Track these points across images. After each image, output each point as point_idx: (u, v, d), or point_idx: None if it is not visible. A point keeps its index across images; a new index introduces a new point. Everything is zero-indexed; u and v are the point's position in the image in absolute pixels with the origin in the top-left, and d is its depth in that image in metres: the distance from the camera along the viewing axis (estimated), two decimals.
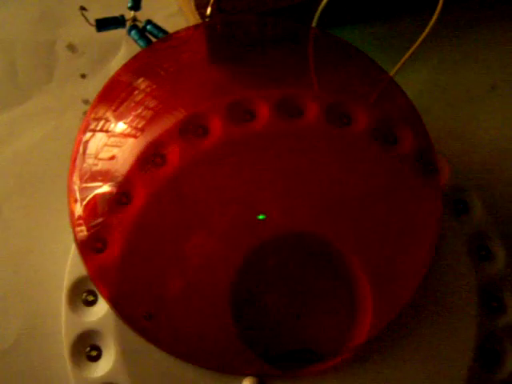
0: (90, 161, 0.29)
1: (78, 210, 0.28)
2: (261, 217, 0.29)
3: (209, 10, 0.31)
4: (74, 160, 0.29)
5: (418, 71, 0.36)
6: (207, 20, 0.32)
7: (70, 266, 0.29)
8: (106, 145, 0.29)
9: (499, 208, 0.33)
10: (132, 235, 0.28)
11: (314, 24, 0.33)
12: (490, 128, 0.35)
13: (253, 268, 0.28)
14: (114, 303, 0.27)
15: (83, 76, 0.35)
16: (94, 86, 0.30)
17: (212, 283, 0.28)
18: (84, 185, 0.29)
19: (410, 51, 0.32)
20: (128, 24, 0.32)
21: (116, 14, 0.33)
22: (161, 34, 0.32)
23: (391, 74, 0.32)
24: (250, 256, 0.28)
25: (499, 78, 0.36)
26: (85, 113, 0.34)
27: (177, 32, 0.31)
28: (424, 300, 0.29)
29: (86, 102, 0.35)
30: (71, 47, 0.36)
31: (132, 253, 0.28)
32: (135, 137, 0.29)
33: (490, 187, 0.34)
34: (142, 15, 0.34)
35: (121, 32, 0.33)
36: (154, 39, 0.33)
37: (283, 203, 0.29)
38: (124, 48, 0.36)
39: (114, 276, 0.28)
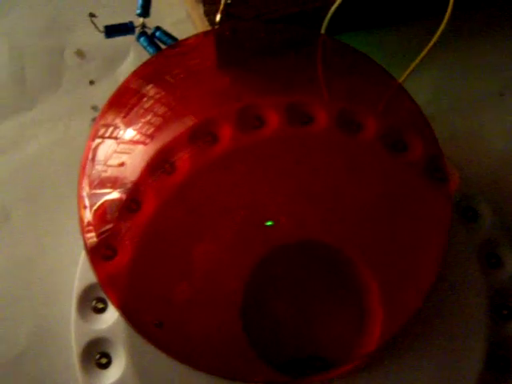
0: (99, 167, 0.29)
1: (88, 216, 0.28)
2: (269, 223, 0.29)
3: (218, 17, 0.31)
4: (84, 166, 0.29)
5: (427, 78, 0.36)
6: (216, 27, 0.32)
7: (80, 273, 0.29)
8: (115, 151, 0.29)
9: (509, 215, 0.33)
10: (142, 242, 0.28)
11: (322, 31, 0.33)
12: (498, 135, 0.35)
13: (263, 275, 0.28)
14: (124, 310, 0.27)
15: (92, 82, 0.35)
16: (102, 92, 0.30)
17: (222, 291, 0.28)
18: (93, 191, 0.29)
19: (419, 58, 0.32)
20: (137, 31, 0.32)
21: (125, 20, 0.33)
22: (170, 41, 0.32)
23: (400, 80, 0.32)
24: (260, 263, 0.28)
25: (508, 85, 0.36)
26: (93, 119, 0.34)
27: (186, 39, 0.31)
28: (434, 308, 0.29)
29: (94, 108, 0.35)
30: (80, 53, 0.36)
31: (142, 260, 0.28)
32: (144, 144, 0.29)
33: (499, 195, 0.34)
34: (150, 22, 0.34)
35: (129, 38, 0.33)
36: (163, 46, 0.33)
37: (293, 211, 0.29)
38: (132, 54, 0.36)
39: (123, 283, 0.28)
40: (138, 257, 0.28)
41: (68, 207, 0.29)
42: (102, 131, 0.30)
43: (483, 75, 0.36)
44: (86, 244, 0.28)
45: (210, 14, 0.33)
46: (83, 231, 0.28)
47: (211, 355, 0.27)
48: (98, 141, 0.29)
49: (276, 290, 0.29)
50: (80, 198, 0.29)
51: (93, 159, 0.29)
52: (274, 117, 0.30)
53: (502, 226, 0.31)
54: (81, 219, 0.28)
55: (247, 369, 0.27)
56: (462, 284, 0.30)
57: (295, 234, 0.29)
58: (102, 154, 0.29)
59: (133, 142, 0.29)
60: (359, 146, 0.30)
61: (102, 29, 0.32)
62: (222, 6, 0.32)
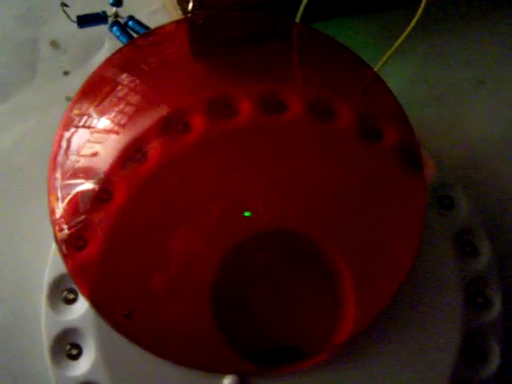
0: (71, 157, 0.29)
1: (58, 206, 0.28)
2: (247, 214, 0.29)
3: (190, 5, 0.31)
4: (55, 157, 0.29)
5: (405, 65, 0.36)
6: (189, 15, 0.32)
7: (51, 263, 0.29)
8: (86, 141, 0.29)
9: (485, 204, 0.33)
10: (112, 232, 0.28)
11: (297, 19, 0.33)
12: (476, 123, 0.35)
13: (235, 265, 0.28)
14: (93, 301, 0.27)
15: (66, 73, 0.35)
16: (77, 83, 0.30)
17: (193, 280, 0.28)
18: (66, 182, 0.28)
19: (395, 46, 0.32)
20: (110, 20, 0.32)
21: (99, 10, 0.33)
22: (142, 30, 0.32)
23: (376, 68, 0.32)
24: (233, 253, 0.28)
25: (487, 72, 0.36)
26: None
27: (158, 27, 0.31)
28: (408, 296, 0.29)
29: (69, 98, 0.34)
30: (54, 44, 0.35)
31: (112, 250, 0.28)
32: (116, 133, 0.29)
33: (476, 183, 0.33)
34: (126, 12, 0.33)
35: (104, 29, 0.33)
36: (135, 35, 0.32)
37: (265, 200, 0.29)
38: (107, 45, 0.36)
39: (93, 273, 0.27)
40: (108, 247, 0.27)
41: (41, 198, 0.29)
42: (72, 120, 0.29)
43: (462, 63, 0.36)
44: (56, 235, 0.28)
45: (183, 3, 0.32)
46: (54, 222, 0.28)
47: (181, 346, 0.27)
48: (69, 130, 0.29)
49: (249, 280, 0.29)
50: (50, 188, 0.28)
51: (65, 149, 0.29)
52: (246, 105, 0.30)
53: (478, 214, 0.31)
54: (51, 210, 0.28)
55: (218, 359, 0.27)
56: (438, 272, 0.30)
57: (267, 224, 0.28)
58: (72, 143, 0.29)
59: (104, 131, 0.29)
60: (333, 135, 0.30)
61: (74, 19, 0.32)
62: None
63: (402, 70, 0.36)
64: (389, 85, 0.30)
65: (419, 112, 0.34)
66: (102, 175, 0.28)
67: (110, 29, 0.32)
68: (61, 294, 0.29)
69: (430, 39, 0.36)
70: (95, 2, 0.34)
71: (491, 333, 0.30)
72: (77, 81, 0.30)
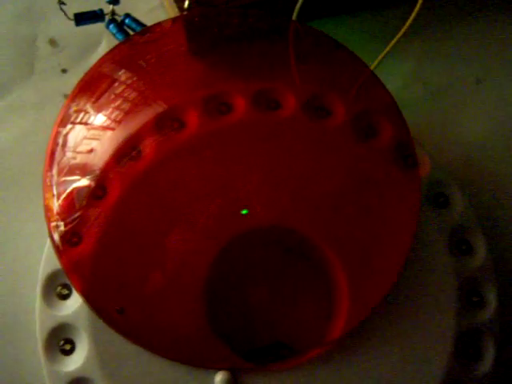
0: (66, 154, 0.29)
1: (53, 202, 0.28)
2: (244, 212, 0.29)
3: (186, 3, 0.31)
4: (51, 153, 0.29)
5: (402, 63, 0.36)
6: (185, 13, 0.32)
7: (45, 259, 0.29)
8: (82, 138, 0.29)
9: (481, 202, 0.33)
10: (106, 229, 0.28)
11: (294, 17, 0.33)
12: (472, 121, 0.35)
13: (228, 262, 0.28)
14: (87, 296, 0.27)
15: (64, 71, 0.35)
16: (74, 81, 0.30)
17: (186, 277, 0.28)
18: (60, 178, 0.29)
19: (390, 45, 0.32)
20: (107, 18, 0.32)
21: (96, 8, 0.33)
22: (139, 28, 0.32)
23: (372, 67, 0.32)
24: (226, 250, 0.28)
25: (484, 71, 0.36)
26: None
27: (154, 25, 0.31)
28: (402, 294, 0.29)
29: (66, 96, 0.34)
30: (52, 42, 0.36)
31: (106, 246, 0.28)
32: (111, 130, 0.29)
33: (471, 181, 0.33)
34: (124, 9, 0.34)
35: (102, 27, 0.33)
36: (132, 33, 0.32)
37: (260, 197, 0.29)
38: (105, 43, 0.36)
39: (87, 269, 0.27)
40: (102, 243, 0.28)
41: (37, 194, 0.29)
42: (68, 117, 0.29)
43: (460, 61, 0.36)
44: (50, 230, 0.28)
45: (179, 1, 0.33)
46: (48, 217, 0.28)
47: (174, 342, 0.27)
48: (64, 127, 0.29)
49: (242, 276, 0.29)
50: (45, 185, 0.29)
51: (61, 146, 0.29)
52: (241, 103, 0.30)
53: (473, 212, 0.31)
54: (46, 205, 0.28)
55: (210, 355, 0.27)
56: (432, 270, 0.30)
57: (261, 221, 0.29)
58: (66, 140, 0.29)
59: (101, 127, 0.29)
60: (328, 132, 0.30)
61: (71, 17, 0.32)
62: None
63: (399, 69, 0.36)
64: (385, 83, 0.30)
65: (415, 110, 0.34)
66: (96, 172, 0.28)
67: (107, 26, 0.32)
68: (55, 289, 0.29)
69: (426, 38, 0.36)
70: (92, 0, 0.34)
71: (486, 331, 0.30)
72: (74, 79, 0.30)
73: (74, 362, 0.28)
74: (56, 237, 0.28)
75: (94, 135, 0.29)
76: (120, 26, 0.32)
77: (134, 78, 0.30)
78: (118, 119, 0.29)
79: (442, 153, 0.33)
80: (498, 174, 0.33)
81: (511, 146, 0.34)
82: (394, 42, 0.32)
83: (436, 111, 0.35)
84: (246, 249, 0.29)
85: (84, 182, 0.28)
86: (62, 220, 0.28)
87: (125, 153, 0.29)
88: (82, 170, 0.29)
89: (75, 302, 0.29)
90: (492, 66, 0.36)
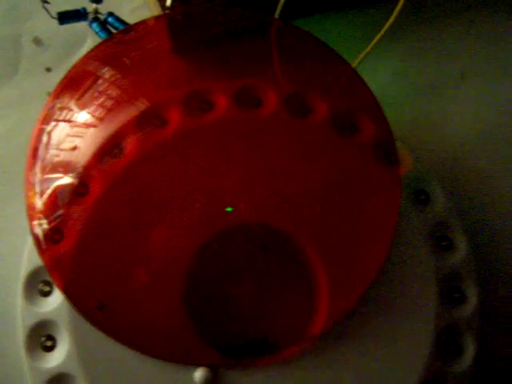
0: (48, 152, 0.29)
1: (35, 200, 0.28)
2: (229, 209, 0.29)
3: (169, 1, 0.31)
4: (33, 151, 0.29)
5: (386, 60, 0.36)
6: (167, 11, 0.32)
7: (27, 256, 0.29)
8: (65, 135, 0.29)
9: (462, 198, 0.33)
10: (87, 226, 0.28)
11: (276, 15, 0.33)
12: (456, 118, 0.35)
13: (209, 259, 0.28)
14: (67, 293, 0.27)
15: (48, 69, 0.35)
16: (59, 80, 0.30)
17: (166, 273, 0.28)
18: (42, 176, 0.29)
19: (373, 42, 0.32)
20: (90, 17, 0.32)
21: (80, 7, 0.33)
22: (122, 27, 0.32)
23: (354, 64, 0.32)
24: (206, 247, 0.28)
25: (468, 67, 0.36)
26: None
27: (138, 23, 0.31)
28: (382, 290, 0.29)
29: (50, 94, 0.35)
30: (37, 41, 0.36)
31: (87, 243, 0.28)
32: (93, 128, 0.29)
33: (455, 178, 0.33)
34: (108, 8, 0.34)
35: (86, 25, 0.33)
36: (115, 32, 0.33)
37: (241, 194, 0.29)
38: (90, 41, 0.36)
39: (68, 266, 0.28)
40: (84, 240, 0.28)
41: (20, 192, 0.29)
42: (50, 115, 0.30)
43: (443, 58, 0.36)
44: (32, 227, 0.28)
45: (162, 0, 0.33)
46: (30, 214, 0.28)
47: (153, 338, 0.27)
48: (48, 124, 0.30)
49: (222, 273, 0.29)
50: (28, 182, 0.29)
51: (44, 144, 0.29)
52: (222, 100, 0.30)
53: (454, 209, 0.31)
54: (28, 203, 0.28)
55: (189, 351, 0.27)
56: (412, 266, 0.30)
57: (242, 217, 0.29)
58: (51, 138, 0.29)
59: (84, 125, 0.29)
60: (309, 129, 0.30)
61: (55, 15, 0.32)
62: None
63: (383, 66, 0.36)
64: (369, 80, 0.30)
65: (400, 107, 0.34)
66: (79, 170, 0.29)
67: (90, 25, 0.32)
68: (36, 286, 0.29)
69: (410, 35, 0.36)
70: None
71: (467, 327, 0.30)
72: (59, 77, 0.30)
73: (55, 359, 0.28)
74: (38, 234, 0.28)
75: (76, 132, 0.29)
76: (103, 24, 0.32)
77: (117, 76, 0.30)
78: (100, 116, 0.29)
79: (426, 149, 0.33)
80: (482, 171, 0.34)
81: (493, 141, 0.34)
82: (376, 39, 0.32)
83: (420, 108, 0.35)
84: (226, 245, 0.29)
85: (66, 179, 0.29)
86: (45, 217, 0.28)
87: (107, 150, 0.29)
88: (65, 167, 0.29)
89: (57, 298, 0.29)
90: (475, 62, 0.36)
